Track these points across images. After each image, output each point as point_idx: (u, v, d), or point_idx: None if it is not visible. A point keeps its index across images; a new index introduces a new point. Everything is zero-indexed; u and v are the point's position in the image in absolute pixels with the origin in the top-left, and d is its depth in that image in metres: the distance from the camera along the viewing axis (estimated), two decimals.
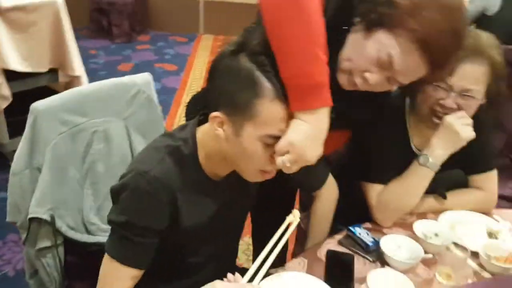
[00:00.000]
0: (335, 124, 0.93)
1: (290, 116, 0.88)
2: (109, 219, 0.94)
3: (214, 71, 0.92)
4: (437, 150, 1.26)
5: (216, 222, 1.04)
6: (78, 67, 2.80)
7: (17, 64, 2.58)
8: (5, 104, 2.62)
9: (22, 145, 1.15)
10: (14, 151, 2.63)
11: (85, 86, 1.26)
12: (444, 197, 1.35)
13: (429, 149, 1.28)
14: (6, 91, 2.59)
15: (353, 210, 1.49)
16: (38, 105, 1.14)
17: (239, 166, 0.96)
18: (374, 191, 1.32)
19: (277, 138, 0.88)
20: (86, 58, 4.43)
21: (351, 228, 1.25)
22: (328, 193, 1.31)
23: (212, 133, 0.94)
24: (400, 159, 1.35)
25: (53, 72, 2.84)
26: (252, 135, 0.88)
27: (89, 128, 1.24)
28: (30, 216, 1.14)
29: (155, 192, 0.90)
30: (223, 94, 0.90)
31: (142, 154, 0.99)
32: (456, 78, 1.19)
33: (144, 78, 1.36)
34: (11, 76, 2.62)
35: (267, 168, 0.94)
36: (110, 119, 1.29)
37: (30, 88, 2.79)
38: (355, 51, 1.02)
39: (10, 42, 2.53)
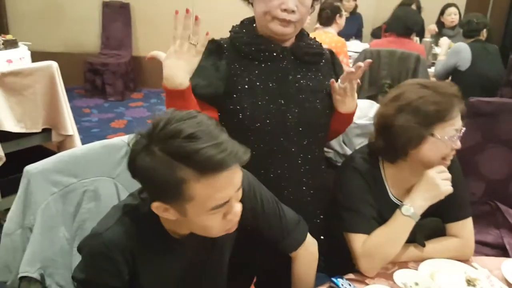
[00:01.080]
0: None
1: (223, 183, 0.88)
2: (72, 275, 1.00)
3: (135, 171, 0.91)
4: (418, 201, 1.33)
5: (185, 285, 1.08)
6: (70, 127, 2.88)
7: (11, 126, 2.65)
8: None
9: (15, 206, 1.20)
10: (6, 210, 2.65)
11: (77, 148, 1.32)
12: (423, 245, 1.40)
13: (410, 200, 1.34)
14: (0, 152, 2.64)
15: (335, 260, 1.53)
16: (31, 168, 1.20)
17: (201, 233, 0.99)
18: (358, 241, 1.36)
19: (225, 204, 0.91)
20: (79, 116, 4.58)
21: (333, 279, 1.28)
22: (307, 253, 1.30)
23: None
24: (381, 209, 1.41)
25: (46, 131, 2.91)
26: (197, 213, 0.91)
27: (79, 188, 1.30)
28: (20, 275, 1.17)
29: (109, 253, 0.95)
30: (154, 192, 0.91)
31: (105, 215, 1.04)
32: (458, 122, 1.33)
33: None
34: (5, 137, 2.69)
35: (226, 227, 0.97)
36: (100, 178, 1.34)
37: (22, 148, 2.85)
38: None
39: (5, 104, 2.61)
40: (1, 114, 2.59)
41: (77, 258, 1.31)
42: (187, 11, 1.10)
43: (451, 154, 1.37)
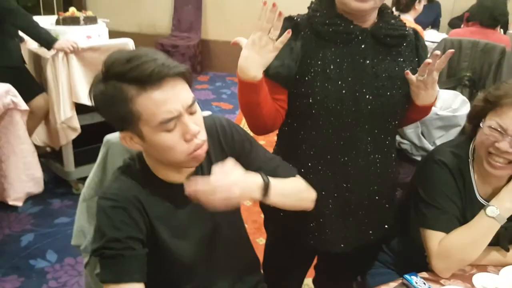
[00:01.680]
0: None
1: (163, 97, 0.92)
2: (92, 249, 0.98)
3: (95, 103, 0.97)
4: (507, 203, 1.24)
5: (194, 227, 1.07)
6: None
7: (88, 99, 2.75)
8: (74, 136, 2.79)
9: (93, 173, 1.23)
10: (79, 179, 2.79)
11: None
12: (507, 250, 1.29)
13: (497, 201, 1.25)
14: (76, 123, 2.77)
15: (409, 258, 1.46)
16: (111, 138, 1.23)
17: (170, 161, 0.99)
18: (436, 239, 1.28)
19: (173, 119, 0.92)
20: None
21: (406, 276, 1.22)
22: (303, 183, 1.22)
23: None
24: (465, 208, 1.32)
25: None
26: (151, 132, 0.94)
27: None
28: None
29: (118, 204, 0.97)
30: (110, 118, 0.96)
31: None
32: (509, 121, 1.18)
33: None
34: (81, 109, 2.81)
35: (189, 150, 0.97)
36: None
37: (96, 122, 2.97)
38: None
39: (83, 79, 2.72)
40: (79, 88, 2.71)
41: None
42: (274, 5, 1.08)
43: (492, 148, 1.24)
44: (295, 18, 1.28)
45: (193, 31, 5.56)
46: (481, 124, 1.28)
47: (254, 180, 1.02)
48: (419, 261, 1.34)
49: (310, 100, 1.25)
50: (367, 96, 1.25)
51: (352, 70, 1.25)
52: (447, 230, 1.29)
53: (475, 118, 1.33)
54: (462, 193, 1.32)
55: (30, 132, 2.75)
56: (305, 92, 1.25)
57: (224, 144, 1.13)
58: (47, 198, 2.93)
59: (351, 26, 1.24)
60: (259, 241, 2.55)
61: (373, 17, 1.26)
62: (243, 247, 1.26)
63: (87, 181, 1.24)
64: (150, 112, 0.91)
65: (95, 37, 2.82)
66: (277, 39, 1.12)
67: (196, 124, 0.97)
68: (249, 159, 1.14)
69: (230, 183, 0.95)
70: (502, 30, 3.82)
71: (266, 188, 1.03)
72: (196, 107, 0.99)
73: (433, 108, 1.63)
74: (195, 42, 5.45)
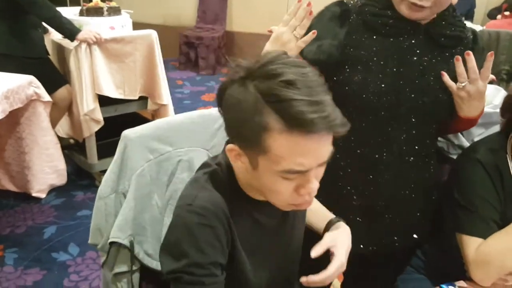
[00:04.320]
0: None
1: (307, 148, 0.76)
2: (166, 271, 0.85)
3: (221, 100, 0.83)
4: None
5: (267, 244, 0.99)
6: (166, 96, 2.92)
7: (111, 91, 2.74)
8: (97, 128, 2.78)
9: (110, 170, 1.17)
10: (102, 171, 2.78)
11: (174, 116, 1.28)
12: None
13: None
14: (99, 115, 2.75)
15: (443, 264, 1.37)
16: (129, 133, 1.17)
17: (267, 197, 0.88)
18: (473, 245, 1.18)
19: (298, 172, 0.79)
20: (173, 88, 4.69)
21: (444, 286, 1.12)
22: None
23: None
24: (505, 209, 1.21)
25: (142, 99, 2.99)
26: (269, 169, 0.80)
27: (174, 157, 1.25)
28: (110, 240, 1.15)
29: (207, 222, 0.84)
30: (232, 127, 0.82)
31: (184, 190, 0.95)
32: None
33: None
34: (104, 101, 2.79)
35: (295, 202, 0.85)
36: (194, 148, 1.29)
37: (119, 114, 2.95)
38: None
39: (106, 70, 2.70)
40: (103, 80, 2.68)
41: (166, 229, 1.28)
42: (309, 4, 1.03)
43: None
44: (346, 3, 1.20)
45: (218, 23, 5.50)
46: None
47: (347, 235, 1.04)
48: (454, 269, 1.25)
49: (346, 89, 1.18)
50: (409, 94, 1.17)
51: (396, 64, 1.17)
52: (485, 235, 1.18)
53: (510, 111, 1.22)
54: (500, 193, 1.21)
55: (54, 124, 2.75)
56: (342, 80, 1.18)
57: None
58: (70, 190, 2.93)
59: (404, 22, 1.15)
60: None
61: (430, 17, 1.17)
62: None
63: (104, 178, 1.18)
64: (280, 155, 0.77)
65: (118, 28, 2.79)
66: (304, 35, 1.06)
67: (318, 177, 0.85)
68: None
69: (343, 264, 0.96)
70: None
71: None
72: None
73: None
74: (220, 33, 5.39)
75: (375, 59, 1.16)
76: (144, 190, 1.18)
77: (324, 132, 0.76)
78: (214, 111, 1.34)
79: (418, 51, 1.17)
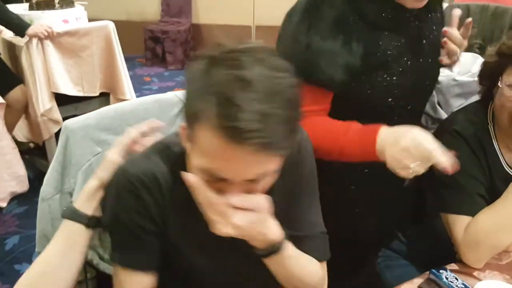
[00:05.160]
0: None
1: (234, 157, 0.67)
2: (103, 222, 0.86)
3: (185, 73, 0.76)
4: None
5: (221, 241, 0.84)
6: (129, 91, 2.79)
7: (68, 89, 2.59)
8: (56, 129, 2.63)
9: (52, 168, 1.04)
10: None
11: (124, 102, 1.15)
12: None
13: None
14: (58, 115, 2.60)
15: (429, 247, 1.28)
16: (70, 123, 1.03)
17: None
18: (461, 224, 1.09)
19: (215, 176, 0.71)
20: (141, 85, 4.53)
21: (435, 271, 1.02)
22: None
23: None
24: (490, 182, 1.13)
25: (104, 96, 2.84)
26: (193, 161, 0.74)
27: None
28: None
29: (135, 191, 0.81)
30: (185, 104, 0.74)
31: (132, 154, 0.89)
32: None
33: None
34: (63, 100, 2.63)
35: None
36: None
37: (81, 113, 2.79)
38: None
39: (61, 67, 2.55)
40: (58, 77, 2.54)
41: None
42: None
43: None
44: (341, 7, 1.05)
45: (183, 16, 5.33)
46: (499, 84, 1.09)
47: (272, 231, 0.80)
48: (441, 252, 1.15)
49: (368, 92, 1.09)
50: (424, 81, 1.20)
51: (411, 57, 1.12)
52: (473, 212, 1.10)
53: (489, 77, 1.15)
54: (484, 166, 1.14)
55: (10, 128, 2.60)
56: (363, 86, 1.09)
57: (289, 174, 0.86)
58: (33, 197, 2.73)
59: (402, 9, 1.07)
60: None
61: None
62: None
63: (46, 177, 1.04)
64: (202, 151, 0.70)
65: (72, 21, 2.64)
66: None
67: (249, 190, 0.74)
68: (293, 207, 0.92)
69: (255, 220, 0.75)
70: None
71: (275, 250, 0.81)
72: (265, 177, 0.74)
73: (450, 73, 1.45)
74: (186, 27, 5.22)
75: (391, 58, 1.09)
76: None
77: (258, 151, 0.66)
78: (171, 95, 1.22)
79: (425, 32, 1.13)
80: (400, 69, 1.10)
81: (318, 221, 0.96)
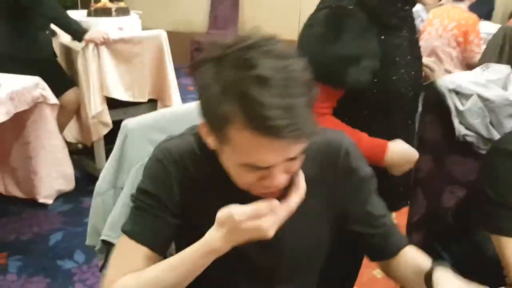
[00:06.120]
0: None
1: (272, 147, 0.69)
2: (131, 194, 0.89)
3: (194, 72, 0.75)
4: None
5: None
6: (176, 99, 2.85)
7: (119, 93, 2.67)
8: (105, 131, 2.71)
9: (109, 164, 1.08)
10: None
11: (178, 106, 1.17)
12: None
13: None
14: (108, 118, 2.68)
15: (475, 267, 1.24)
16: (129, 123, 1.07)
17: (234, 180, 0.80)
18: None
19: (259, 168, 0.72)
20: (185, 94, 4.61)
21: None
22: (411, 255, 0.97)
23: None
24: None
25: (152, 102, 2.91)
26: (231, 159, 0.75)
27: None
28: (101, 237, 1.05)
29: (163, 161, 0.85)
30: (201, 108, 0.75)
31: None
32: None
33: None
34: (113, 105, 2.72)
35: (259, 191, 0.78)
36: None
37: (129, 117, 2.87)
38: None
39: (114, 72, 2.64)
40: (111, 82, 2.62)
41: None
42: None
43: None
44: (356, 13, 1.16)
45: (230, 28, 5.43)
46: None
47: None
48: (488, 273, 1.10)
49: (382, 89, 1.20)
50: (420, 69, 1.36)
51: (410, 51, 1.28)
52: None
53: None
54: None
55: (62, 127, 2.70)
56: (380, 82, 1.20)
57: (332, 179, 0.90)
58: (79, 196, 2.84)
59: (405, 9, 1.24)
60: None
61: None
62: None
63: (102, 172, 1.09)
64: (241, 150, 0.71)
65: (127, 29, 2.73)
66: None
67: (289, 171, 0.76)
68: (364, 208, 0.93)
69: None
70: None
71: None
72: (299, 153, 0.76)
73: (504, 93, 1.42)
74: None
75: (399, 55, 1.23)
76: None
77: (292, 142, 0.70)
78: None
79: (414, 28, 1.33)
80: (404, 62, 1.23)
81: (386, 213, 0.97)
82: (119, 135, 1.07)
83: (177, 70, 3.05)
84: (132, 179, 1.06)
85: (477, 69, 1.53)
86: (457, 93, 1.41)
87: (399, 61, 1.22)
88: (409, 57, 1.25)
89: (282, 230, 0.79)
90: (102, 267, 1.12)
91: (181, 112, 1.15)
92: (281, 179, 0.75)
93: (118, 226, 1.04)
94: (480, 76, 1.44)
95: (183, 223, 0.87)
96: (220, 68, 0.69)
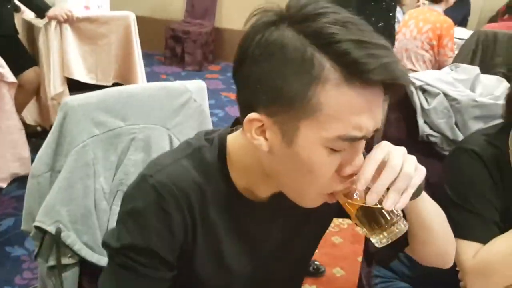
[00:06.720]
0: None
1: (368, 104, 0.61)
2: (103, 241, 0.72)
3: (246, 53, 0.63)
4: None
5: (255, 260, 0.79)
6: (142, 83, 2.75)
7: (81, 75, 2.57)
8: None
9: (46, 144, 1.00)
10: None
11: (130, 86, 1.10)
12: None
13: None
14: (64, 99, 2.56)
15: (433, 272, 1.21)
16: (70, 101, 0.99)
17: (292, 187, 0.68)
18: (470, 251, 1.02)
19: (352, 139, 0.61)
20: (157, 81, 4.52)
21: None
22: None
23: (247, 144, 0.69)
24: (506, 210, 1.06)
25: (117, 86, 2.81)
26: (313, 139, 0.61)
27: (126, 134, 1.07)
28: (35, 224, 0.97)
29: (160, 203, 0.68)
30: (263, 86, 0.62)
31: (157, 156, 0.77)
32: None
33: (197, 85, 1.19)
34: (75, 87, 2.61)
35: (332, 189, 0.66)
36: (152, 126, 1.11)
37: None
38: None
39: (77, 52, 2.54)
40: (73, 62, 2.52)
41: (115, 219, 1.09)
42: None
43: None
44: None
45: (207, 18, 5.33)
46: None
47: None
48: (444, 276, 1.08)
49: None
50: None
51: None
52: (485, 239, 1.03)
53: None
54: (501, 191, 1.06)
55: (20, 108, 2.58)
56: None
57: None
58: None
59: None
60: None
61: None
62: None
63: (38, 154, 1.00)
64: (335, 113, 0.60)
65: (94, 8, 2.62)
66: None
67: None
68: None
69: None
70: None
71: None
72: None
73: (471, 94, 1.39)
74: (209, 29, 5.22)
75: None
76: (85, 170, 1.00)
77: (382, 87, 0.61)
78: (178, 84, 1.17)
79: None
80: None
81: None
82: (58, 113, 0.98)
83: (150, 57, 2.96)
84: (71, 162, 0.98)
85: (446, 68, 1.50)
86: (424, 91, 1.37)
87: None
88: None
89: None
90: (37, 255, 1.04)
91: (130, 93, 1.08)
92: (362, 159, 0.65)
93: (53, 212, 0.97)
94: (448, 75, 1.40)
95: (184, 263, 0.75)
96: (283, 29, 0.60)
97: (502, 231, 1.03)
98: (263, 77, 0.61)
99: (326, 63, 0.58)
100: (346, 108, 0.59)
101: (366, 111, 0.60)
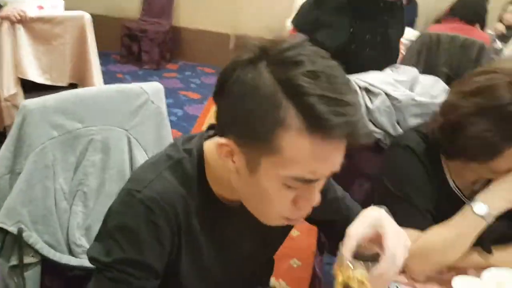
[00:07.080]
0: None
1: (326, 154, 0.66)
2: (91, 256, 0.74)
3: (224, 86, 0.69)
4: (497, 200, 1.08)
5: (231, 261, 0.86)
6: (98, 84, 2.74)
7: (35, 76, 2.54)
8: None
9: (5, 147, 1.01)
10: None
11: (87, 88, 1.13)
12: (490, 252, 1.14)
13: (485, 197, 1.08)
14: (22, 102, 2.52)
15: None
16: (29, 104, 1.02)
17: (254, 206, 0.76)
18: (410, 238, 1.12)
19: (307, 182, 0.68)
20: (113, 81, 4.45)
21: None
22: None
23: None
24: (438, 200, 1.16)
25: (72, 87, 2.79)
26: (271, 174, 0.68)
27: (84, 135, 1.10)
28: None
29: (153, 218, 0.72)
30: (234, 118, 0.68)
31: (138, 170, 0.82)
32: None
33: (154, 87, 1.23)
34: (30, 87, 2.57)
35: (289, 216, 0.74)
36: (110, 127, 1.15)
37: None
38: None
39: (31, 53, 2.51)
40: (26, 63, 2.48)
41: (75, 218, 1.13)
42: None
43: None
44: None
45: (164, 17, 5.30)
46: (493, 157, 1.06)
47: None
48: None
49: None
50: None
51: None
52: (423, 228, 1.13)
53: (484, 155, 1.07)
54: (434, 183, 1.17)
55: None
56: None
57: None
58: None
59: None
60: None
61: None
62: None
63: None
64: (294, 158, 0.65)
65: (48, 9, 2.59)
66: None
67: (320, 190, 0.74)
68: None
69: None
70: (479, 28, 3.74)
71: None
72: None
73: (410, 93, 1.50)
74: (166, 28, 5.20)
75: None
76: (45, 172, 1.03)
77: (344, 139, 0.66)
78: (135, 86, 1.21)
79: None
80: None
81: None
82: (16, 116, 1.01)
83: (106, 56, 2.95)
84: (30, 164, 1.01)
85: (387, 69, 1.61)
86: (368, 91, 1.47)
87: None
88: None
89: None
90: None
91: (87, 95, 1.11)
92: (318, 197, 0.73)
93: (14, 212, 1.00)
94: (390, 76, 1.51)
95: (170, 271, 0.80)
96: (260, 70, 0.65)
97: (434, 219, 1.14)
98: (235, 113, 0.68)
99: (292, 111, 0.63)
100: (305, 155, 0.65)
101: (324, 161, 0.67)
